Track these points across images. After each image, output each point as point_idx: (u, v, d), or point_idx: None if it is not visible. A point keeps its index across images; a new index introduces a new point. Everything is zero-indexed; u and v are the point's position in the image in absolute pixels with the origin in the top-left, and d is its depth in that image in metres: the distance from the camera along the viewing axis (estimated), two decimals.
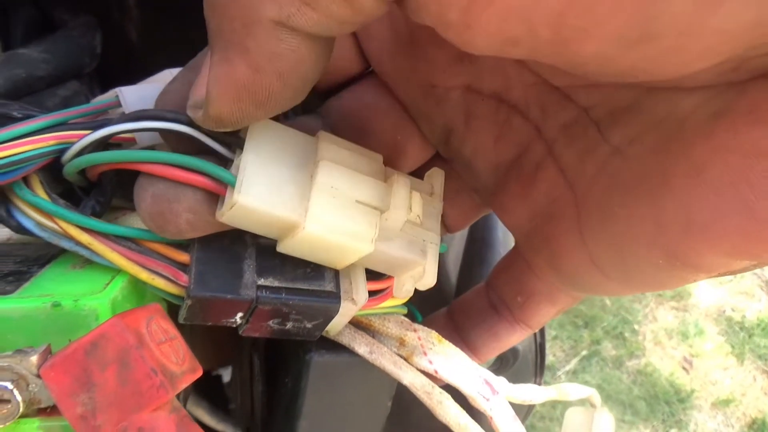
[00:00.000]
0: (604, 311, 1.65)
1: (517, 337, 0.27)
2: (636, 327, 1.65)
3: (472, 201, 0.26)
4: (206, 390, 0.42)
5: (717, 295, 1.74)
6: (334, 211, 0.19)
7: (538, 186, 0.22)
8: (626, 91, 0.18)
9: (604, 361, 1.57)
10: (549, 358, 1.54)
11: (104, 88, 0.24)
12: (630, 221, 0.19)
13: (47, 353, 0.16)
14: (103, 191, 0.20)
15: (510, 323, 0.26)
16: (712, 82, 0.16)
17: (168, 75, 0.22)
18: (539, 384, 0.41)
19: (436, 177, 0.24)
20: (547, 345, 1.57)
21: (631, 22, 0.12)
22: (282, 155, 0.20)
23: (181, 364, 0.16)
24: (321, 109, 0.24)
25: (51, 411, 0.16)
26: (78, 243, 0.19)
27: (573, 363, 1.55)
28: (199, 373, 0.17)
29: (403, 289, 0.23)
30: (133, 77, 0.25)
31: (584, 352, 1.58)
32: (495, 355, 0.27)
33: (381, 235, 0.20)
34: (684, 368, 1.59)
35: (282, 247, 0.20)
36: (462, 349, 0.26)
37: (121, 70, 0.29)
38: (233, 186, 0.18)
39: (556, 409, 1.40)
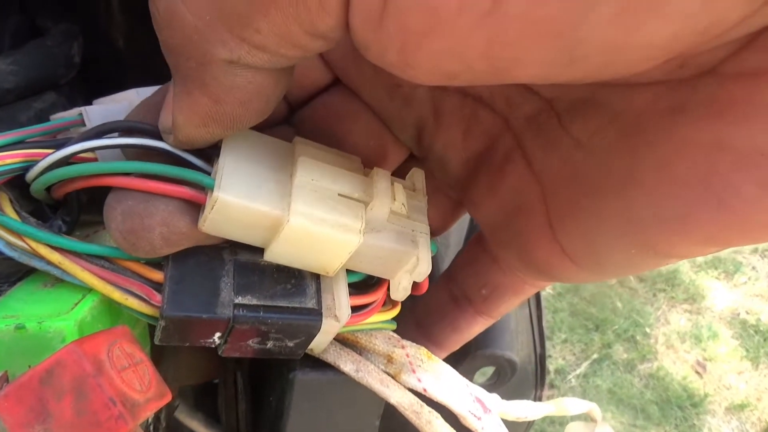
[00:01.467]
0: (615, 314, 1.64)
1: (478, 328, 0.27)
2: (648, 330, 1.63)
3: (448, 200, 0.26)
4: (204, 401, 0.41)
5: (731, 297, 1.72)
6: (317, 203, 0.19)
7: (506, 179, 0.22)
8: (582, 86, 0.19)
9: (616, 364, 1.55)
10: (559, 362, 1.53)
11: (89, 98, 0.24)
12: (599, 214, 0.19)
13: (3, 381, 0.15)
14: (69, 210, 0.20)
15: (471, 315, 0.26)
16: (662, 78, 0.16)
17: (133, 94, 0.22)
18: (541, 396, 0.40)
19: (417, 175, 0.24)
20: (557, 348, 1.56)
21: (556, 50, 0.12)
22: (259, 157, 0.20)
23: (146, 391, 0.16)
24: (293, 120, 0.24)
25: None
26: (49, 262, 0.19)
27: (584, 366, 1.54)
28: (167, 398, 0.17)
29: (400, 287, 0.22)
30: (121, 84, 0.25)
31: (595, 356, 1.56)
32: (458, 347, 0.28)
33: (368, 226, 0.20)
34: (697, 372, 1.57)
35: (268, 254, 0.20)
36: (425, 344, 0.25)
37: (109, 78, 0.28)
38: (212, 189, 0.18)
39: None
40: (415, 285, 0.24)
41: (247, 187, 0.18)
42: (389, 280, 0.24)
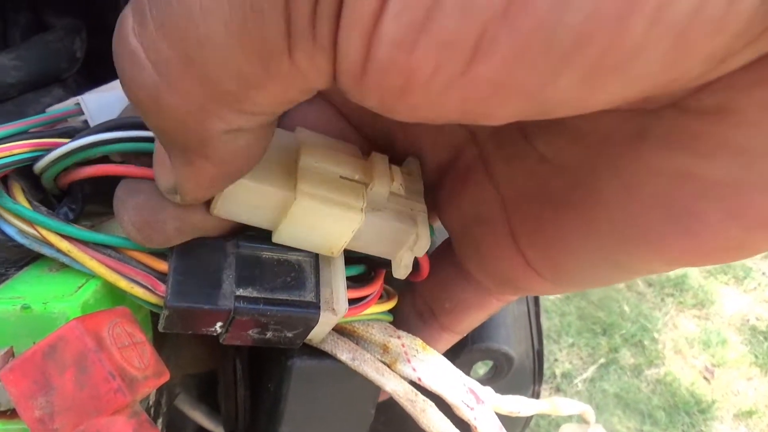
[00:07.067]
0: (622, 318, 1.63)
1: (443, 345, 0.27)
2: (655, 335, 1.62)
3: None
4: (208, 394, 0.42)
5: (740, 303, 1.71)
6: (321, 185, 0.20)
7: (468, 190, 0.23)
8: None
9: (623, 369, 1.55)
10: (566, 366, 1.52)
11: None
12: (562, 228, 0.19)
13: (9, 356, 0.16)
14: (74, 198, 0.20)
15: (436, 330, 0.26)
16: (627, 107, 0.16)
17: None
18: (538, 392, 0.41)
19: (413, 163, 0.24)
20: (564, 352, 1.55)
21: (525, 107, 0.13)
22: None
23: (145, 368, 0.16)
24: None
25: (11, 414, 0.16)
26: (58, 250, 0.19)
27: (590, 371, 1.53)
28: (165, 377, 0.17)
29: (402, 265, 0.23)
30: None
31: (602, 360, 1.55)
32: None
33: (369, 206, 0.21)
34: (705, 378, 1.56)
35: (277, 235, 0.20)
36: None
37: (114, 74, 0.29)
38: None
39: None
40: (415, 272, 0.24)
41: (256, 171, 0.19)
42: (385, 273, 0.25)
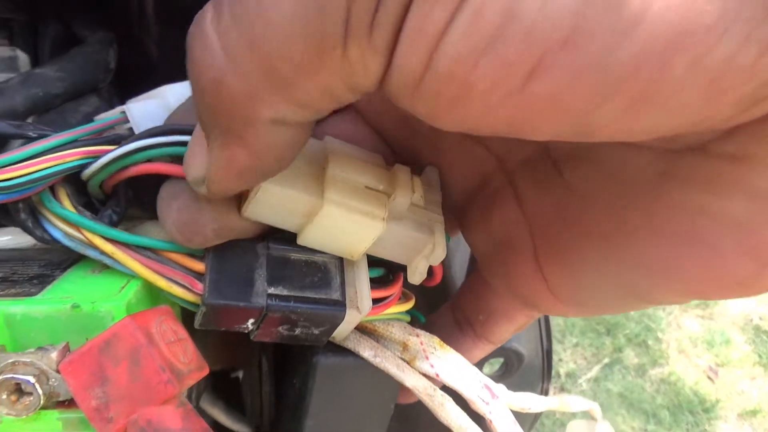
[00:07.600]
0: (626, 318, 1.63)
1: (479, 353, 0.28)
2: (659, 335, 1.63)
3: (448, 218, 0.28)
4: (224, 391, 0.43)
5: (744, 303, 1.71)
6: (347, 194, 0.21)
7: (496, 213, 0.24)
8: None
9: (627, 369, 1.55)
10: (570, 366, 1.53)
11: (124, 101, 0.26)
12: (585, 256, 0.20)
13: (66, 350, 0.17)
14: (117, 201, 0.21)
15: (472, 339, 0.28)
16: (654, 145, 0.17)
17: (168, 90, 0.24)
18: (547, 390, 0.42)
19: (432, 173, 0.25)
20: (568, 352, 1.56)
21: (568, 126, 0.14)
22: None
23: (189, 362, 0.17)
24: None
25: (69, 404, 0.18)
26: (102, 252, 0.21)
27: (595, 370, 1.54)
28: (206, 371, 0.18)
29: (417, 272, 0.24)
30: (152, 89, 0.27)
31: (606, 360, 1.56)
32: None
33: (390, 215, 0.22)
34: (709, 377, 1.57)
35: (302, 238, 0.22)
36: None
37: (141, 84, 0.31)
38: None
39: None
40: (430, 278, 0.26)
41: (286, 177, 0.20)
42: (403, 276, 0.26)
